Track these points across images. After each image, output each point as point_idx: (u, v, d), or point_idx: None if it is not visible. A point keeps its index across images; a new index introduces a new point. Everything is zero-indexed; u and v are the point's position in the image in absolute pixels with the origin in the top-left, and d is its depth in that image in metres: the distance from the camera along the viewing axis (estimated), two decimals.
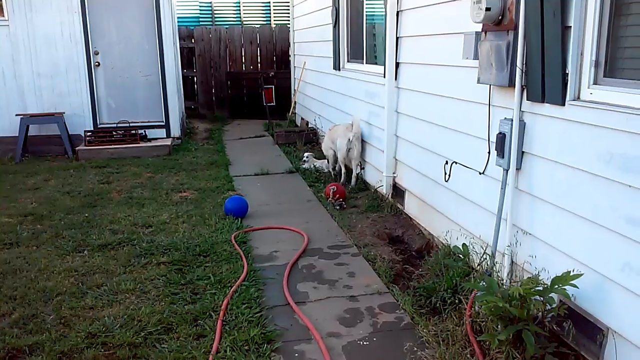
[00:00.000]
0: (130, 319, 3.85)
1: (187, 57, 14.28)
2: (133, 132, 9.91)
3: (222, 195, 6.91)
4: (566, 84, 3.21)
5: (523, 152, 3.68)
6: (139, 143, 9.81)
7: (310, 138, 10.35)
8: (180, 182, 7.74)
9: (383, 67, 6.25)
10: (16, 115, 9.43)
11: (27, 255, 5.05)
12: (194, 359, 3.35)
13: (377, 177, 6.69)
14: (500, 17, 3.71)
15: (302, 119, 12.04)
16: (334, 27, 8.47)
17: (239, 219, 5.97)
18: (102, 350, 3.48)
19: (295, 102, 12.39)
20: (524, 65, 3.54)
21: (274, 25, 15.25)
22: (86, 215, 6.25)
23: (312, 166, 8.28)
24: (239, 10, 15.78)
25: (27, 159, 9.48)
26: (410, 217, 5.83)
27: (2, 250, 5.23)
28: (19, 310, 4.01)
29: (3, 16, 9.53)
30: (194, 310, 3.94)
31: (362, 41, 7.62)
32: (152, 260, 4.88)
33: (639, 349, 2.73)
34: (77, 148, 9.56)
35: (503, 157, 3.78)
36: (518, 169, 3.71)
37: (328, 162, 7.89)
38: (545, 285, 3.13)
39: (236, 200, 6.24)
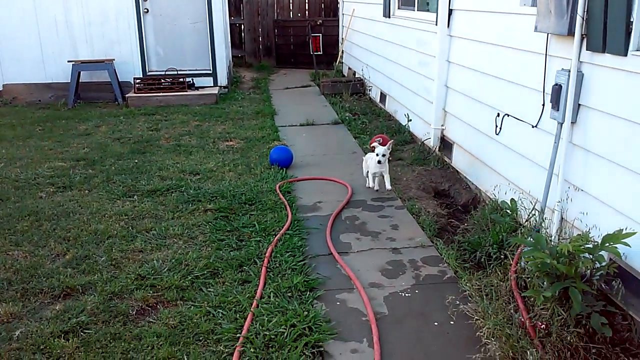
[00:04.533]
0: (177, 263, 3.96)
1: (235, 4, 14.15)
2: (181, 80, 9.98)
3: (267, 145, 6.93)
4: (630, 32, 3.00)
5: (579, 104, 3.50)
6: (186, 91, 9.89)
7: (357, 89, 10.20)
8: (227, 131, 7.79)
9: (435, 14, 6.03)
10: (68, 61, 9.63)
11: (79, 199, 5.23)
12: (238, 303, 3.43)
13: (425, 130, 6.56)
14: None
15: (349, 68, 11.85)
16: None
17: (284, 169, 5.99)
18: (151, 291, 3.60)
19: (342, 51, 12.17)
20: (585, 13, 3.32)
21: None
22: (136, 161, 6.40)
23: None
24: None
25: (79, 104, 9.72)
26: (458, 171, 5.72)
27: (56, 193, 5.43)
28: (72, 251, 4.18)
29: None
30: (239, 257, 4.02)
31: None
32: (199, 207, 4.98)
33: None
34: (126, 95, 9.72)
35: (558, 110, 3.62)
36: (573, 122, 3.55)
37: None
38: (596, 243, 3.03)
39: (281, 150, 6.26)
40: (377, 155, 5.06)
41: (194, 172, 5.97)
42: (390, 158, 6.39)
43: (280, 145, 6.71)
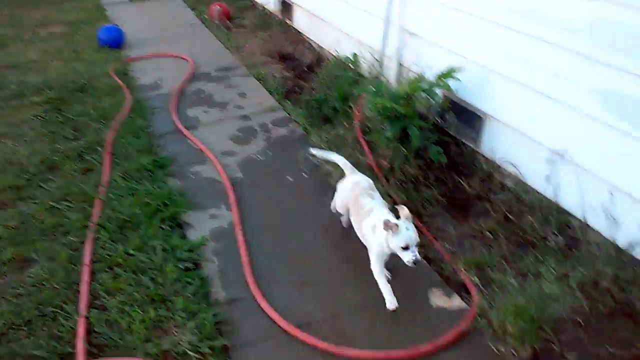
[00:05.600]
0: (8, 163, 3.60)
1: None
2: None
3: (94, 27, 6.28)
4: None
5: None
6: None
7: None
8: (45, 16, 6.93)
9: None
10: None
11: None
12: (84, 193, 3.22)
13: None
14: None
15: None
16: None
17: (117, 50, 5.51)
18: None
19: None
20: None
21: None
22: None
23: None
24: None
25: None
26: (300, 32, 5.62)
27: None
28: None
29: None
30: (78, 147, 3.73)
31: None
32: (23, 101, 4.48)
33: (509, 127, 2.94)
34: None
35: None
36: None
37: None
38: (431, 82, 3.18)
39: (110, 30, 5.72)
40: (407, 248, 2.22)
41: (12, 65, 5.30)
42: (232, 26, 6.14)
43: (109, 25, 6.12)
